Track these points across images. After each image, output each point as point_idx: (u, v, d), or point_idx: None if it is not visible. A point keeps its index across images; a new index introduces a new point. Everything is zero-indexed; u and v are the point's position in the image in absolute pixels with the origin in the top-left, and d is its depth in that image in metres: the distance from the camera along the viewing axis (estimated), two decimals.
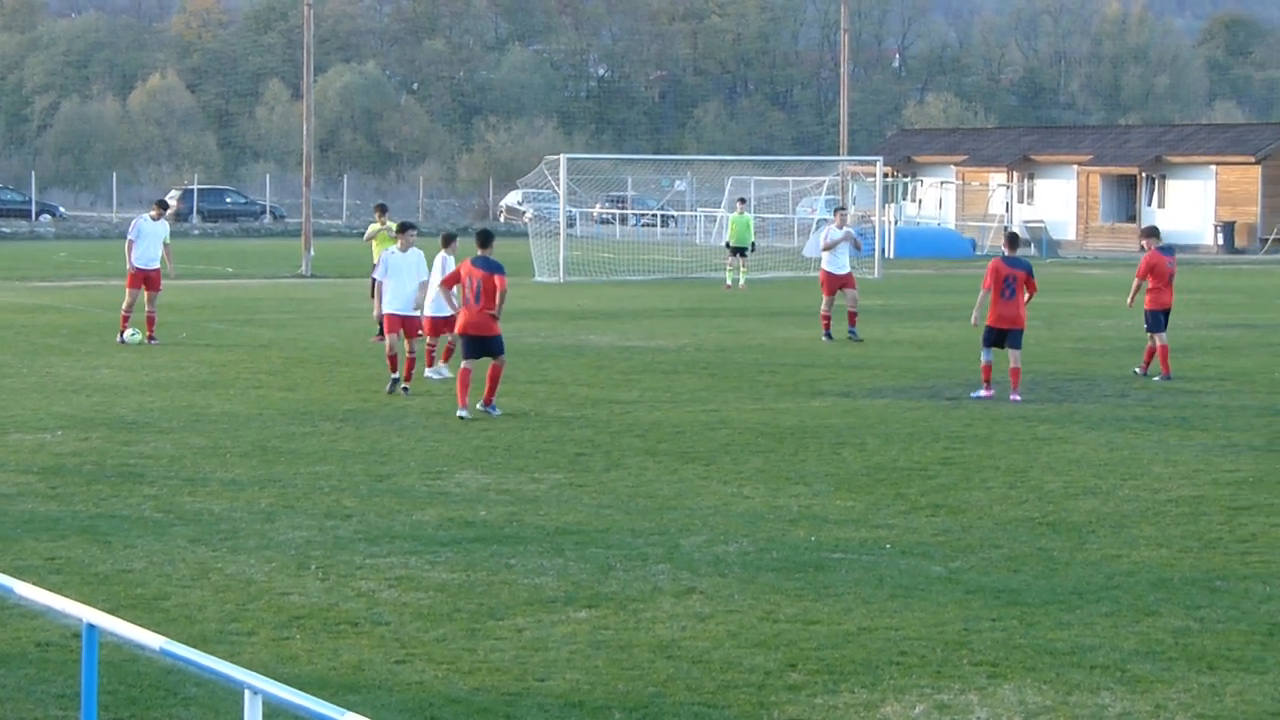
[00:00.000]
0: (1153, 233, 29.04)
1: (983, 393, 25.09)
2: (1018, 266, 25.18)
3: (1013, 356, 25.11)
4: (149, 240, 32.41)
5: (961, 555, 14.81)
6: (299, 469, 18.84)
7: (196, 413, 23.14)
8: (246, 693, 7.48)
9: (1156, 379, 27.46)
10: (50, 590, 10.02)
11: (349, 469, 18.86)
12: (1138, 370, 28.15)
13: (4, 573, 9.98)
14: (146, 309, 32.27)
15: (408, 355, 24.79)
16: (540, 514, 16.45)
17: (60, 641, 11.84)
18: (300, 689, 7.75)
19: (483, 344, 22.60)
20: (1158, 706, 10.74)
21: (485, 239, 22.81)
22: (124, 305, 32.49)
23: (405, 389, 24.84)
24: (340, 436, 21.17)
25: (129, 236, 32.69)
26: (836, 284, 34.39)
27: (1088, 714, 10.62)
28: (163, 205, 33.94)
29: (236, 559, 14.47)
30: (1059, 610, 12.93)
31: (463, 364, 22.70)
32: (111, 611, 11.55)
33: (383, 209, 34.85)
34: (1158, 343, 27.82)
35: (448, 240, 26.72)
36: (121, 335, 32.10)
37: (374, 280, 26.75)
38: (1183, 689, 11.08)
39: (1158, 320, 27.92)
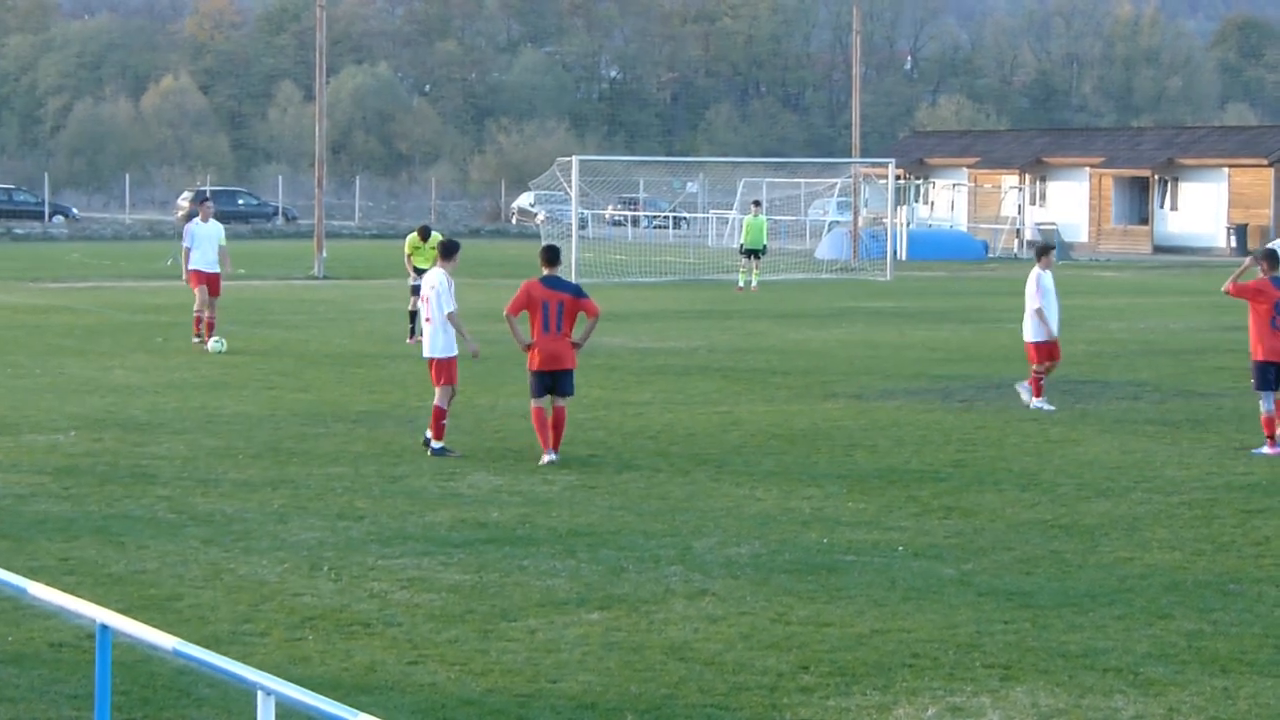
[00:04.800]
0: None
1: (1267, 450, 20.43)
2: None
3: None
4: (203, 244, 31.94)
5: (974, 557, 14.80)
6: (312, 470, 18.85)
7: (209, 414, 23.15)
8: (259, 693, 7.49)
9: None
10: (64, 591, 10.02)
11: (362, 470, 18.86)
12: None
13: (18, 573, 10.00)
14: (207, 313, 31.74)
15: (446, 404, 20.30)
16: (552, 516, 16.46)
17: (74, 642, 11.86)
18: (313, 690, 7.75)
19: (556, 380, 19.59)
20: (1171, 709, 10.73)
21: (554, 256, 19.78)
22: (195, 306, 31.90)
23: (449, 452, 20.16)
24: (353, 438, 21.17)
25: (185, 244, 32.26)
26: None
27: (1101, 717, 10.61)
28: (201, 201, 33.45)
29: (249, 560, 14.48)
30: (1071, 613, 12.92)
31: (534, 403, 19.70)
32: (125, 612, 11.55)
33: (425, 232, 32.55)
34: None
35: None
36: (199, 338, 31.43)
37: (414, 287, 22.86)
38: (1196, 692, 11.07)
39: None
